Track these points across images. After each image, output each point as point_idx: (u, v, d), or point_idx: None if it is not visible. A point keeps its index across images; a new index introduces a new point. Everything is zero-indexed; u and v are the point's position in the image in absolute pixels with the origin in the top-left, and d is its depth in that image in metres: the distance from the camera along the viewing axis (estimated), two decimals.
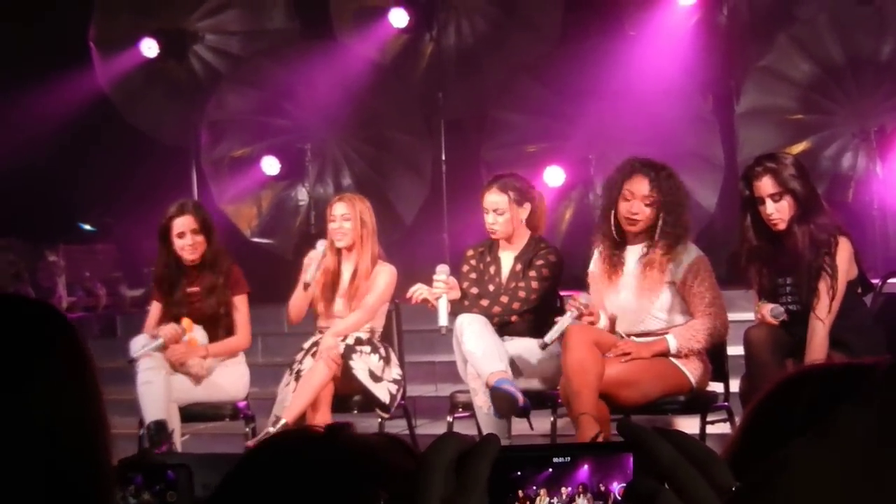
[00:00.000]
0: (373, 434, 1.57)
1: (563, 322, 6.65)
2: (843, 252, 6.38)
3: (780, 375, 1.69)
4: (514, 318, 7.24)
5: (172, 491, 2.30)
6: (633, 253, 6.84)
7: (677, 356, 6.63)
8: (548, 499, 1.17)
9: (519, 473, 1.18)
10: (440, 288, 7.14)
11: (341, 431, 1.53)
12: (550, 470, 1.18)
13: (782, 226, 6.44)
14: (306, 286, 7.65)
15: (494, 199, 7.31)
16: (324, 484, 1.45)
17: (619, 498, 1.16)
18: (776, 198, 6.41)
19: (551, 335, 6.68)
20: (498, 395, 6.69)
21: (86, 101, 13.35)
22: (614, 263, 6.85)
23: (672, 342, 6.61)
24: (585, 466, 1.18)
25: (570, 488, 1.18)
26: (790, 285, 6.50)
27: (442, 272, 7.22)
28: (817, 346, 6.30)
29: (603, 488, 1.17)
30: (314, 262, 7.68)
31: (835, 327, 6.39)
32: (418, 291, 7.16)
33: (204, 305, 7.80)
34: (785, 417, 1.57)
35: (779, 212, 6.42)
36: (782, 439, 1.55)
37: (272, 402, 7.63)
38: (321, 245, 7.75)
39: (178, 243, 7.73)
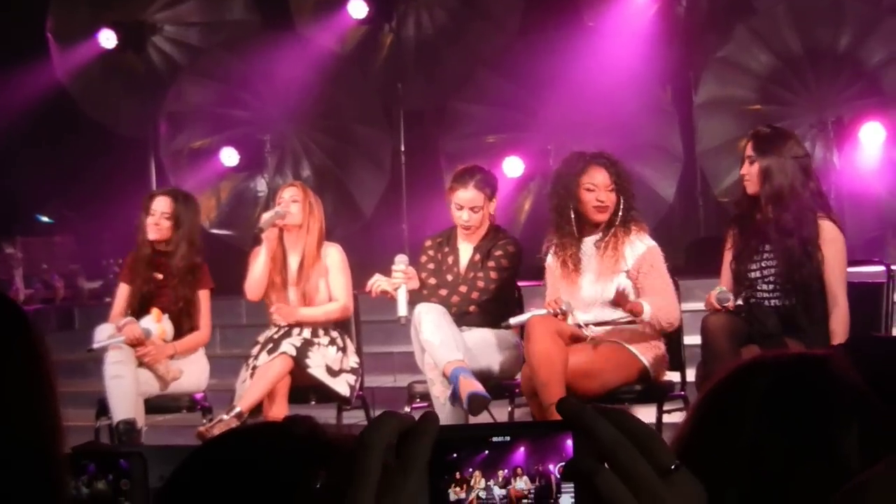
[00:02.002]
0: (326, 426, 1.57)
1: (533, 313, 6.67)
2: (830, 234, 6.46)
3: (732, 363, 1.70)
4: (472, 307, 7.24)
5: (126, 479, 2.28)
6: (589, 242, 6.86)
7: (641, 338, 6.62)
8: (483, 481, 1.17)
9: (455, 455, 1.17)
10: (399, 278, 7.13)
11: (298, 421, 1.54)
12: (486, 452, 1.17)
13: (751, 188, 6.51)
14: (260, 231, 7.67)
15: (471, 196, 7.29)
16: (260, 464, 1.46)
17: (559, 477, 1.16)
18: (751, 160, 6.52)
19: (518, 319, 6.71)
20: (475, 400, 6.63)
21: (44, 92, 13.27)
22: (574, 260, 6.87)
23: (647, 308, 6.59)
24: (521, 448, 1.17)
25: (506, 470, 1.17)
26: (767, 251, 6.54)
27: (400, 262, 7.21)
28: (837, 326, 6.41)
29: (540, 469, 1.17)
30: (269, 218, 7.68)
31: (794, 314, 6.46)
32: (377, 283, 7.14)
33: (166, 294, 7.81)
34: (737, 404, 1.58)
35: (748, 174, 6.53)
36: (734, 425, 1.57)
37: (230, 393, 7.61)
38: (279, 209, 7.73)
39: (148, 220, 7.82)
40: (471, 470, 1.17)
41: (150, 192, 7.92)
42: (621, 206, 6.81)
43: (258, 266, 7.74)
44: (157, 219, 7.80)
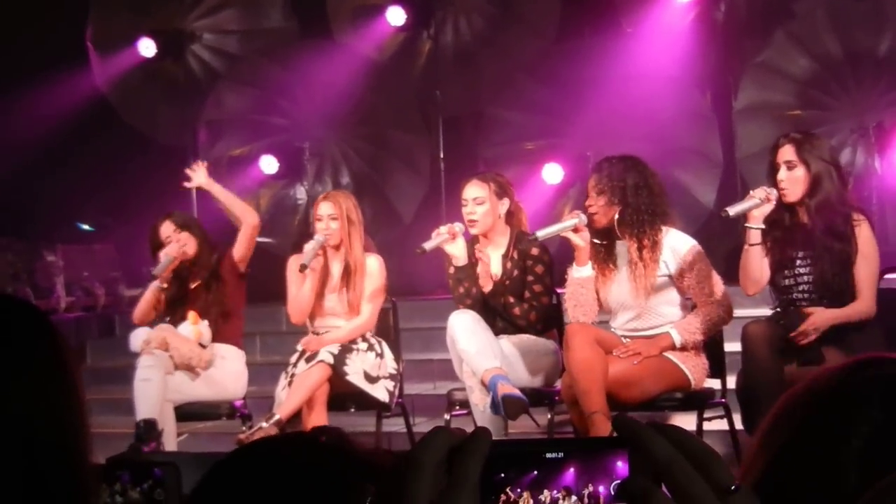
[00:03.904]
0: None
1: (566, 223, 6.69)
2: (864, 233, 6.40)
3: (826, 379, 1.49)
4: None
5: (160, 489, 2.28)
6: (624, 247, 6.82)
7: (683, 349, 6.62)
8: (531, 501, 1.14)
9: (503, 475, 1.15)
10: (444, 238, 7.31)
11: (327, 432, 1.52)
12: (535, 472, 1.15)
13: (790, 197, 6.42)
14: (303, 268, 7.57)
15: (473, 189, 7.30)
16: (308, 479, 1.44)
17: (612, 497, 1.13)
18: (791, 165, 6.42)
19: (548, 231, 6.73)
20: (510, 402, 6.60)
21: (84, 100, 13.35)
22: (603, 258, 6.84)
23: (676, 336, 6.59)
24: (571, 469, 1.15)
25: (554, 491, 1.15)
26: (801, 258, 6.48)
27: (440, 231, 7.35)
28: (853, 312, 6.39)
29: (591, 490, 1.14)
30: (312, 249, 7.63)
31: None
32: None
33: (205, 297, 7.88)
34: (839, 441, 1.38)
35: (789, 181, 6.41)
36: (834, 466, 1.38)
37: (269, 400, 7.62)
38: (319, 236, 7.69)
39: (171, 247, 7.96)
40: (519, 490, 1.15)
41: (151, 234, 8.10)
42: (616, 212, 6.74)
43: (304, 294, 7.72)
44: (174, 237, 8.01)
